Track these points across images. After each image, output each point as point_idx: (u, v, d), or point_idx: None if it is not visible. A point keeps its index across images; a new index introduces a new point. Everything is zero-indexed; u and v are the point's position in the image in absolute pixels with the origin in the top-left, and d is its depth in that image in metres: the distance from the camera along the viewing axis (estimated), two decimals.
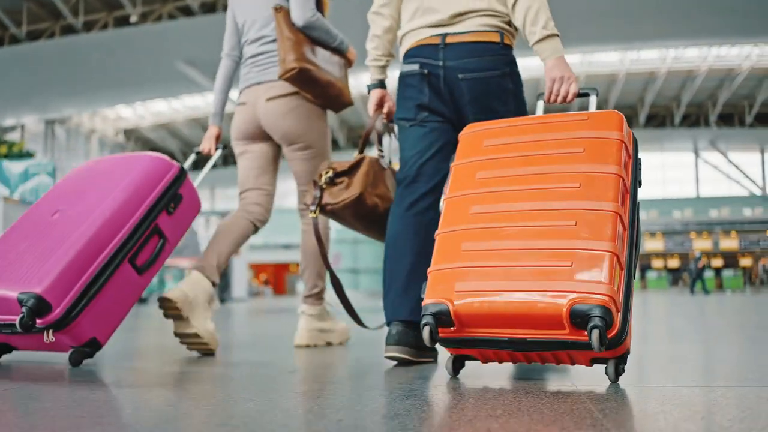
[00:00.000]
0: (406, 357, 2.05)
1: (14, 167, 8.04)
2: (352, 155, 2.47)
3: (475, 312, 1.58)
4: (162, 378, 1.90)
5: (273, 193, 2.90)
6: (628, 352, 1.61)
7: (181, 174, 2.38)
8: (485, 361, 1.72)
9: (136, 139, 37.15)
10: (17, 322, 1.89)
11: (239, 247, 2.73)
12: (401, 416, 1.22)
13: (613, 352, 1.55)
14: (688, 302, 10.52)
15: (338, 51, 2.90)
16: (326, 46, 2.84)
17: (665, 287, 32.24)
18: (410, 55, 2.25)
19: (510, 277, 1.58)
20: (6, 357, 2.31)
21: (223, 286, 14.72)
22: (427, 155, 2.21)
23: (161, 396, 1.55)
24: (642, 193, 1.81)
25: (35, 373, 1.98)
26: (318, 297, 2.91)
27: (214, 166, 3.10)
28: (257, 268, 36.47)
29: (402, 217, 2.19)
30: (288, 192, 11.95)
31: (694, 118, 36.35)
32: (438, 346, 1.87)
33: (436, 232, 1.81)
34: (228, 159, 31.17)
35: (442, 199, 1.90)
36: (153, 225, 2.24)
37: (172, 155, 28.47)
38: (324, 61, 2.78)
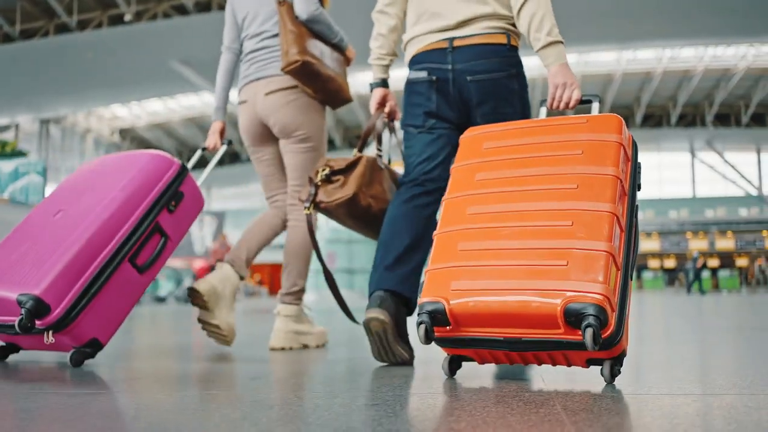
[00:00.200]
0: (384, 321, 1.99)
1: (4, 166, 8.00)
2: (350, 155, 2.47)
3: (471, 311, 1.59)
4: (161, 378, 1.90)
5: None
6: (624, 353, 1.60)
7: (182, 171, 2.38)
8: (482, 362, 1.72)
9: (132, 138, 37.05)
10: (16, 324, 1.91)
11: (269, 243, 2.86)
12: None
13: (609, 352, 1.55)
14: (684, 302, 10.48)
15: (338, 48, 2.90)
16: (327, 42, 2.84)
17: (661, 287, 32.24)
18: (417, 61, 2.26)
19: (505, 276, 1.59)
20: (10, 357, 2.33)
21: None
22: (434, 162, 2.24)
23: (160, 396, 1.55)
24: (639, 193, 1.81)
25: (36, 373, 1.98)
26: (296, 297, 2.80)
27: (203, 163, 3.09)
28: (253, 268, 36.37)
29: (401, 205, 2.22)
30: None
31: (691, 118, 36.38)
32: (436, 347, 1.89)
33: (435, 233, 1.81)
34: (224, 159, 31.08)
35: (442, 200, 1.91)
36: (154, 223, 2.24)
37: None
38: (325, 56, 2.79)
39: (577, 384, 1.69)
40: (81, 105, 29.37)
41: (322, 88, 2.79)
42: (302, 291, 2.83)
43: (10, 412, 1.34)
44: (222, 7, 21.15)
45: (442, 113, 2.23)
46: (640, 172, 1.80)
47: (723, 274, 30.23)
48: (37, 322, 1.95)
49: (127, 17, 22.32)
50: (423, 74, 2.23)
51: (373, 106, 2.43)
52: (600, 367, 1.61)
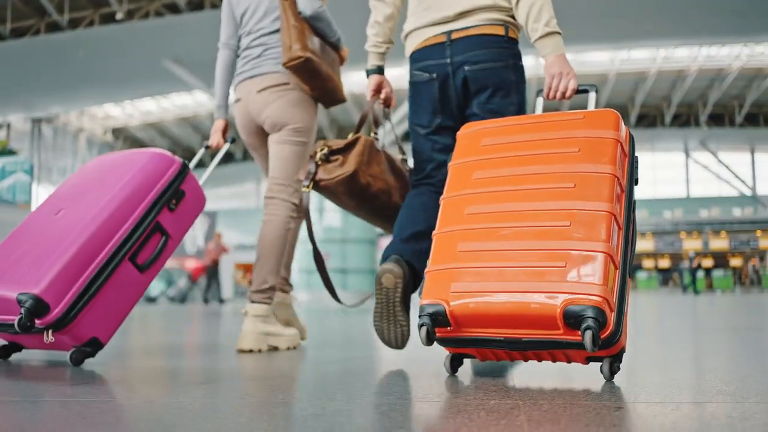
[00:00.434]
0: (398, 275, 2.01)
1: None
2: None
3: (471, 312, 1.60)
4: (161, 377, 1.90)
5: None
6: (623, 350, 1.62)
7: (184, 170, 2.37)
8: (483, 359, 1.74)
9: (125, 138, 36.83)
10: (15, 323, 1.91)
11: (289, 250, 2.96)
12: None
13: (608, 350, 1.57)
14: (678, 302, 10.44)
15: (335, 47, 2.90)
16: (325, 40, 2.83)
17: (655, 287, 32.26)
18: (417, 58, 2.29)
19: (505, 278, 1.60)
20: (13, 356, 2.34)
21: (207, 286, 14.55)
22: (442, 160, 2.27)
23: (160, 395, 1.55)
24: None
25: (36, 372, 1.98)
26: (266, 296, 2.66)
27: (202, 163, 3.07)
28: (245, 268, 36.22)
29: (417, 196, 2.27)
30: None
31: (685, 118, 36.39)
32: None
33: (434, 233, 1.82)
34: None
35: (440, 200, 1.91)
36: (154, 222, 2.24)
37: None
38: (324, 54, 2.78)
39: (576, 383, 1.67)
40: (73, 104, 29.16)
41: (320, 86, 2.77)
42: (273, 289, 2.69)
43: (8, 411, 1.33)
44: (215, 6, 21.02)
45: (446, 111, 2.26)
46: (637, 167, 1.80)
47: (717, 274, 30.25)
48: (37, 321, 1.95)
49: (119, 16, 22.13)
50: (425, 76, 2.26)
51: (369, 93, 2.46)
52: (599, 363, 1.63)
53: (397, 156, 2.58)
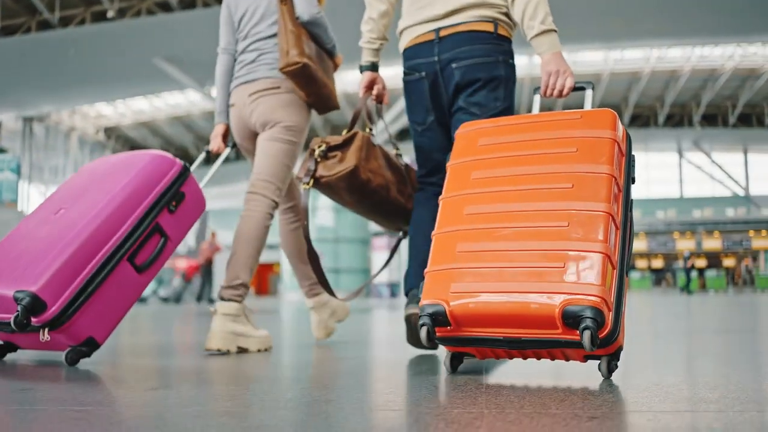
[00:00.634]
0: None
1: None
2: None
3: (471, 312, 1.62)
4: (159, 377, 1.90)
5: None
6: (620, 349, 1.63)
7: (184, 172, 2.37)
8: (483, 357, 1.76)
9: (117, 137, 36.68)
10: (12, 321, 1.90)
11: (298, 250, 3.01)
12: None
13: (606, 349, 1.58)
14: (671, 302, 10.41)
15: (330, 54, 2.88)
16: (321, 46, 2.82)
17: (648, 287, 32.32)
18: (408, 57, 2.31)
19: (504, 278, 1.62)
20: (7, 356, 2.33)
21: (201, 285, 14.45)
22: (441, 155, 2.30)
23: (158, 395, 1.54)
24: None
25: (33, 372, 1.98)
26: (237, 292, 2.56)
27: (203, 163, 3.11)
28: None
29: (425, 203, 2.30)
30: None
31: (678, 119, 36.51)
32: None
33: (433, 233, 1.83)
34: (209, 159, 30.80)
35: (439, 199, 1.91)
36: (154, 223, 2.24)
37: None
38: (320, 60, 2.77)
39: (562, 380, 1.64)
40: (64, 103, 28.98)
41: (315, 92, 2.75)
42: (244, 287, 2.59)
43: (6, 411, 1.32)
44: (207, 4, 20.91)
45: (438, 108, 2.27)
46: (634, 166, 1.80)
47: (710, 274, 30.33)
48: (33, 320, 1.94)
49: (110, 14, 22.00)
50: (414, 75, 2.28)
51: (361, 89, 2.47)
52: (598, 362, 1.65)
53: (392, 151, 2.57)
